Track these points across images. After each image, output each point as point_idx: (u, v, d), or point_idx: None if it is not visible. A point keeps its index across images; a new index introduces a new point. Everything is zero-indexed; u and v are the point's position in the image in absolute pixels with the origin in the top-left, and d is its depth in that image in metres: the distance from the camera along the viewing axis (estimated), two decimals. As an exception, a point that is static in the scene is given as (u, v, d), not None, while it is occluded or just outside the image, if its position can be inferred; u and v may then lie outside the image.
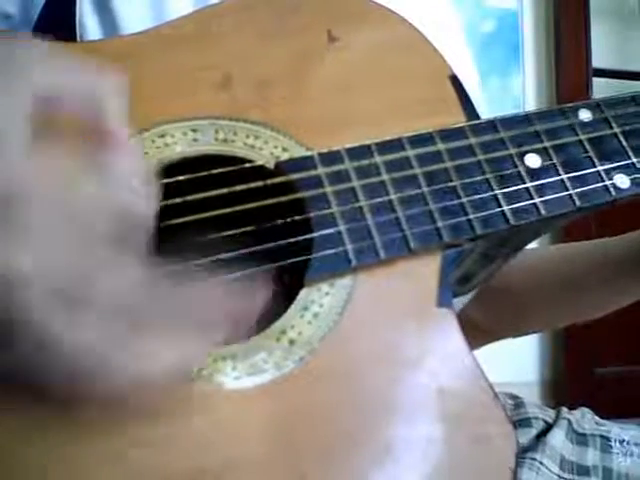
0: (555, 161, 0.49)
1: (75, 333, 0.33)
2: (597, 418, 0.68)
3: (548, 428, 0.65)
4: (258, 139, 0.47)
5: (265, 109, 0.48)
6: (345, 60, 0.51)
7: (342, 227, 0.45)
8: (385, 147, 0.47)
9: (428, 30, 0.53)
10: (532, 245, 0.61)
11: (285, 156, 0.47)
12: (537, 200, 0.48)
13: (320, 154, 0.47)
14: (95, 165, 0.35)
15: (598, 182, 0.49)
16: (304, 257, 0.44)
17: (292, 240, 0.44)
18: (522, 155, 0.49)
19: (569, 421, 0.66)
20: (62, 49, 0.37)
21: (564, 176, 0.49)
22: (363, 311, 0.44)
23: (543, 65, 2.46)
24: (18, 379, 0.34)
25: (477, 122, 0.50)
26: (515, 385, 1.29)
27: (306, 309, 0.43)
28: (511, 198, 0.48)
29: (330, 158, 0.47)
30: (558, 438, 0.63)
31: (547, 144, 0.50)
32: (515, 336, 0.75)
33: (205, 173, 0.45)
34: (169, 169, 0.45)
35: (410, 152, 0.48)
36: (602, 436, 0.64)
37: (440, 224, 0.46)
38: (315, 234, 0.44)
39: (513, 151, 0.49)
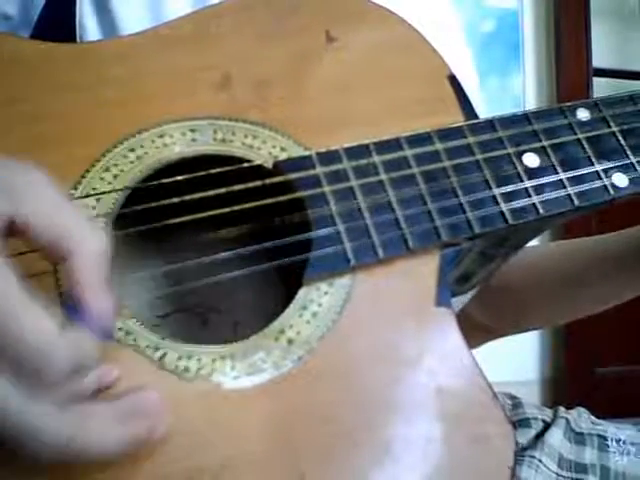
0: (553, 160, 0.49)
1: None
2: (593, 417, 0.69)
3: (546, 427, 0.65)
4: (256, 139, 0.47)
5: (264, 109, 0.48)
6: (343, 60, 0.51)
7: (341, 226, 0.45)
8: (383, 147, 0.48)
9: (427, 30, 0.53)
10: (532, 242, 0.61)
11: (283, 156, 0.47)
12: (535, 199, 0.48)
13: (318, 154, 0.47)
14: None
15: (596, 181, 0.50)
16: (303, 256, 0.44)
17: (291, 239, 0.44)
18: (520, 154, 0.49)
19: (567, 420, 0.66)
20: (64, 193, 0.37)
21: (562, 175, 0.49)
22: (362, 310, 0.44)
23: (543, 65, 2.46)
24: None
25: (475, 121, 0.50)
26: (515, 384, 1.29)
27: (305, 308, 0.43)
28: (509, 197, 0.48)
29: (328, 158, 0.47)
30: (556, 437, 0.63)
31: (545, 143, 0.50)
32: (515, 333, 0.75)
33: (203, 173, 0.45)
34: (168, 169, 0.45)
35: (408, 152, 0.48)
36: (599, 435, 0.65)
37: (438, 223, 0.46)
38: (314, 233, 0.44)
39: (511, 150, 0.49)
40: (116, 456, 0.35)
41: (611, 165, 0.50)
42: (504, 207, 0.47)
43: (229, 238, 0.47)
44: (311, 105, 0.49)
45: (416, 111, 0.50)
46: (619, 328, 2.20)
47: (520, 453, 0.61)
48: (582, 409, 0.69)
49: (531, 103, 2.38)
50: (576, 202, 0.49)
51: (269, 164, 0.47)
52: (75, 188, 0.43)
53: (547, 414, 0.67)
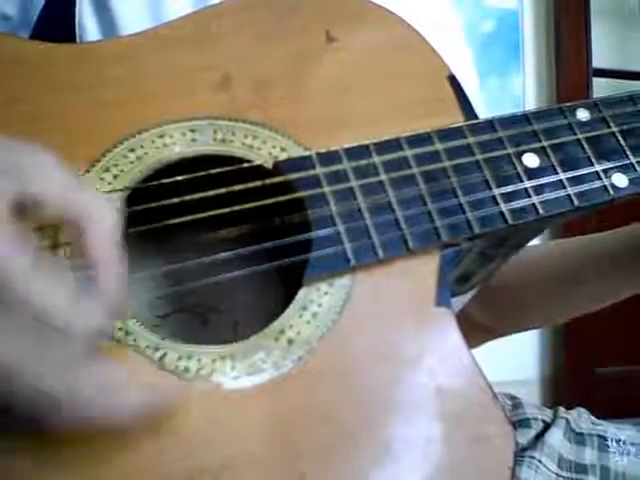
0: (553, 161, 0.49)
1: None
2: (593, 418, 0.69)
3: (546, 428, 0.65)
4: (256, 139, 0.47)
5: (264, 109, 0.48)
6: (343, 60, 0.51)
7: (341, 227, 0.45)
8: (383, 147, 0.48)
9: (427, 30, 0.53)
10: (532, 242, 0.61)
11: (283, 156, 0.47)
12: (535, 200, 0.48)
13: (318, 154, 0.47)
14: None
15: (596, 181, 0.50)
16: (303, 256, 0.44)
17: (291, 240, 0.44)
18: (520, 155, 0.49)
19: (567, 420, 0.66)
20: (73, 173, 0.37)
21: (562, 176, 0.49)
22: (362, 310, 0.44)
23: (543, 65, 2.46)
24: None
25: (475, 122, 0.50)
26: (515, 384, 1.29)
27: (305, 309, 0.43)
28: (509, 197, 0.48)
29: (328, 158, 0.47)
30: (556, 437, 0.63)
31: (545, 143, 0.50)
32: (515, 332, 0.75)
33: (203, 173, 0.45)
34: (168, 169, 0.45)
35: (408, 152, 0.48)
36: (599, 435, 0.65)
37: (438, 223, 0.46)
38: (313, 234, 0.44)
39: (511, 150, 0.49)
40: (132, 422, 0.36)
41: (611, 165, 0.50)
42: (504, 207, 0.47)
43: (229, 238, 0.47)
44: (311, 105, 0.49)
45: (416, 111, 0.50)
46: (619, 328, 2.20)
47: (520, 454, 0.61)
48: (582, 409, 0.69)
49: (531, 103, 2.38)
50: (576, 202, 0.49)
51: (269, 164, 0.47)
52: (75, 188, 0.43)
53: (547, 414, 0.67)
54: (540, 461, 0.60)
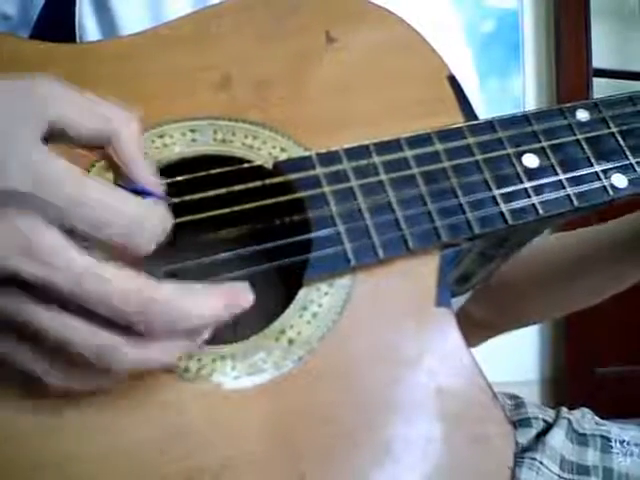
0: (553, 161, 0.49)
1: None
2: (597, 418, 0.69)
3: (548, 428, 0.65)
4: (256, 139, 0.47)
5: (264, 109, 0.48)
6: (343, 61, 0.51)
7: (341, 227, 0.45)
8: (383, 147, 0.48)
9: (427, 30, 0.53)
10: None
11: (283, 156, 0.47)
12: (535, 200, 0.48)
13: (318, 154, 0.47)
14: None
15: (596, 182, 0.50)
16: (303, 257, 0.44)
17: (291, 240, 0.44)
18: (520, 155, 0.49)
19: (569, 421, 0.66)
20: (78, 88, 0.38)
21: (562, 176, 0.49)
22: (362, 311, 0.44)
23: (543, 65, 2.46)
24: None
25: (475, 122, 0.50)
26: (515, 384, 1.29)
27: (305, 309, 0.43)
28: (509, 198, 0.48)
29: (328, 158, 0.47)
30: (558, 438, 0.63)
31: (545, 144, 0.50)
32: (516, 328, 0.75)
33: (204, 173, 0.45)
34: (168, 169, 0.45)
35: (408, 152, 0.48)
36: (602, 436, 0.64)
37: (438, 224, 0.46)
38: (314, 234, 0.45)
39: (511, 151, 0.49)
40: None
41: (610, 166, 0.50)
42: (504, 208, 0.47)
43: (229, 238, 0.47)
44: (311, 105, 0.49)
45: (416, 112, 0.50)
46: (619, 328, 2.20)
47: (520, 455, 0.60)
48: (586, 410, 0.69)
49: (531, 104, 2.38)
50: (575, 203, 0.49)
51: (269, 164, 0.47)
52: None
53: (549, 414, 0.67)
54: (541, 462, 0.60)
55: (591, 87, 2.39)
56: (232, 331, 0.51)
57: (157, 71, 0.48)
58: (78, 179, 0.35)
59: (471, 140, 0.49)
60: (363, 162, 0.47)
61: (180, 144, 0.46)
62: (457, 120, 0.50)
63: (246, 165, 0.46)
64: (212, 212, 0.44)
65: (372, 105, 0.50)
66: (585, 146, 0.50)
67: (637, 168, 0.51)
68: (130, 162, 0.39)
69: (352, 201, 0.46)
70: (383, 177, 0.47)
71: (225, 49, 0.50)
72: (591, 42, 2.40)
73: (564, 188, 0.49)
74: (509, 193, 0.48)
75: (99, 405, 0.38)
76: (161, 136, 0.46)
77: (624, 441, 0.63)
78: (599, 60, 2.41)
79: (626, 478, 0.60)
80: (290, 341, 0.42)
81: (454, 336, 0.44)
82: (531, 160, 0.49)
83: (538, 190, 0.48)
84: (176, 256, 0.45)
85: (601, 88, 2.35)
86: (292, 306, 0.43)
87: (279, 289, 0.50)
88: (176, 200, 0.43)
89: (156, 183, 0.40)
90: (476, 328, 0.71)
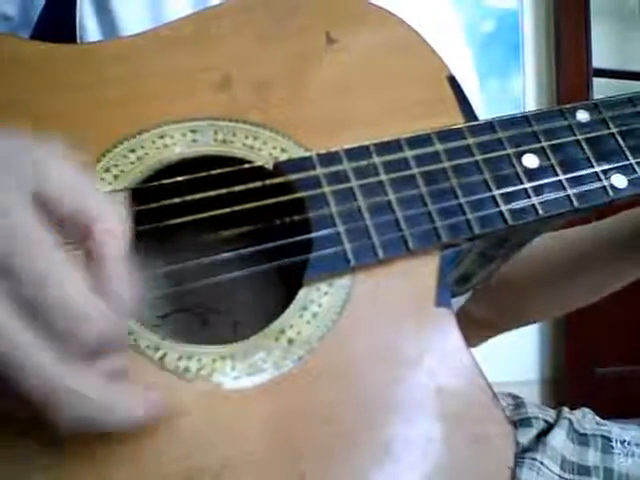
0: (553, 161, 0.49)
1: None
2: (598, 418, 0.68)
3: (549, 428, 0.65)
4: (257, 140, 0.47)
5: (264, 110, 0.48)
6: (343, 62, 0.51)
7: (341, 227, 0.45)
8: (383, 148, 0.48)
9: (427, 31, 0.53)
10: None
11: (284, 157, 0.47)
12: (535, 200, 0.48)
13: (319, 155, 0.47)
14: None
15: (596, 182, 0.50)
16: (303, 257, 0.44)
17: (291, 240, 0.44)
18: (520, 155, 0.49)
19: (570, 421, 0.66)
20: (80, 166, 0.37)
21: (562, 176, 0.49)
22: (362, 311, 0.44)
23: (543, 65, 2.46)
24: None
25: (475, 123, 0.50)
26: (515, 384, 1.29)
27: (305, 309, 0.43)
28: (509, 198, 0.48)
29: (328, 159, 0.47)
30: (559, 438, 0.63)
31: (545, 144, 0.50)
32: (516, 327, 0.75)
33: (204, 174, 0.45)
34: (168, 170, 0.45)
35: (408, 153, 0.48)
36: (603, 436, 0.64)
37: (438, 224, 0.46)
38: (314, 234, 0.45)
39: (511, 151, 0.49)
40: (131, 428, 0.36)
41: (610, 166, 0.50)
42: (504, 208, 0.47)
43: (229, 239, 0.47)
44: (311, 106, 0.49)
45: (416, 112, 0.50)
46: (619, 328, 2.20)
47: (520, 455, 0.60)
48: (587, 410, 0.69)
49: (531, 104, 2.38)
50: (575, 203, 0.49)
51: (270, 165, 0.47)
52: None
53: (550, 414, 0.67)
54: (542, 463, 0.60)
55: (591, 87, 2.39)
56: (232, 331, 0.51)
57: (157, 72, 0.48)
58: (48, 255, 0.33)
59: (471, 140, 0.49)
60: (363, 162, 0.47)
61: (181, 145, 0.46)
62: (457, 120, 0.50)
63: (247, 165, 0.46)
64: (213, 212, 0.44)
65: (372, 106, 0.50)
66: (585, 147, 0.50)
67: (637, 168, 0.51)
68: (101, 261, 0.36)
69: (352, 201, 0.46)
70: (383, 177, 0.47)
71: (225, 50, 0.50)
72: (591, 42, 2.40)
73: (564, 188, 0.49)
74: (509, 193, 0.48)
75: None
76: (162, 136, 0.46)
77: (625, 441, 0.63)
78: (599, 60, 2.41)
79: (627, 478, 0.60)
80: (290, 341, 0.42)
81: (454, 336, 0.44)
82: (531, 160, 0.49)
83: (538, 190, 0.48)
84: (176, 256, 0.45)
85: (601, 88, 2.35)
86: (292, 306, 0.44)
87: (279, 289, 0.50)
88: (177, 200, 0.44)
89: (124, 290, 0.36)
90: (476, 328, 0.71)
